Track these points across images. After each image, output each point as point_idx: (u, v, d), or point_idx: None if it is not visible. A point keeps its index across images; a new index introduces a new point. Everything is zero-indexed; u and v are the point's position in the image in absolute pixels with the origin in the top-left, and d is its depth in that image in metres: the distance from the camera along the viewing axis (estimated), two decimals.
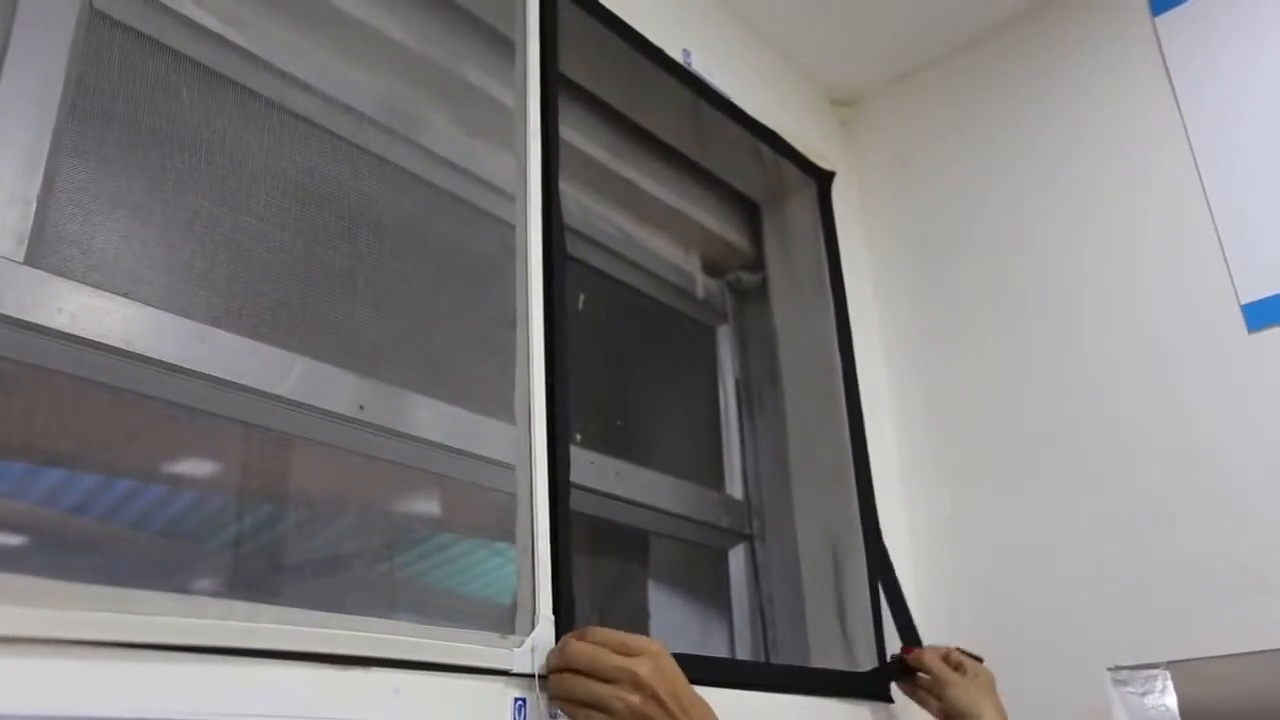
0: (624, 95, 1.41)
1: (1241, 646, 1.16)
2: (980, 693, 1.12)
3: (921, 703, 1.21)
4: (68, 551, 0.81)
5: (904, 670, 1.23)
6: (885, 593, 1.34)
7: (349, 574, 0.98)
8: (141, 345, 0.82)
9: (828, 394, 1.49)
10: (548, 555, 0.92)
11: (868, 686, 1.27)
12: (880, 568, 1.36)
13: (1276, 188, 1.28)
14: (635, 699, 0.78)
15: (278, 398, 0.91)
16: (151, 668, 0.63)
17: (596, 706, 0.79)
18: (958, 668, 1.16)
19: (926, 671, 1.19)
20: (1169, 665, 1.04)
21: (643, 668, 0.79)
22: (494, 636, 0.86)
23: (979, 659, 1.19)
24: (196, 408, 0.87)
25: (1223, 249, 1.30)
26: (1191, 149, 1.36)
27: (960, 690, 1.13)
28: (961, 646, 1.20)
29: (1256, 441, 1.22)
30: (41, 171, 0.80)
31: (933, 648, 1.22)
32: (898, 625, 1.31)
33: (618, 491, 1.28)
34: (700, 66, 1.43)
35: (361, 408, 0.97)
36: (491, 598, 1.05)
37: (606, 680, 0.79)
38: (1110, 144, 1.46)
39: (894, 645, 1.34)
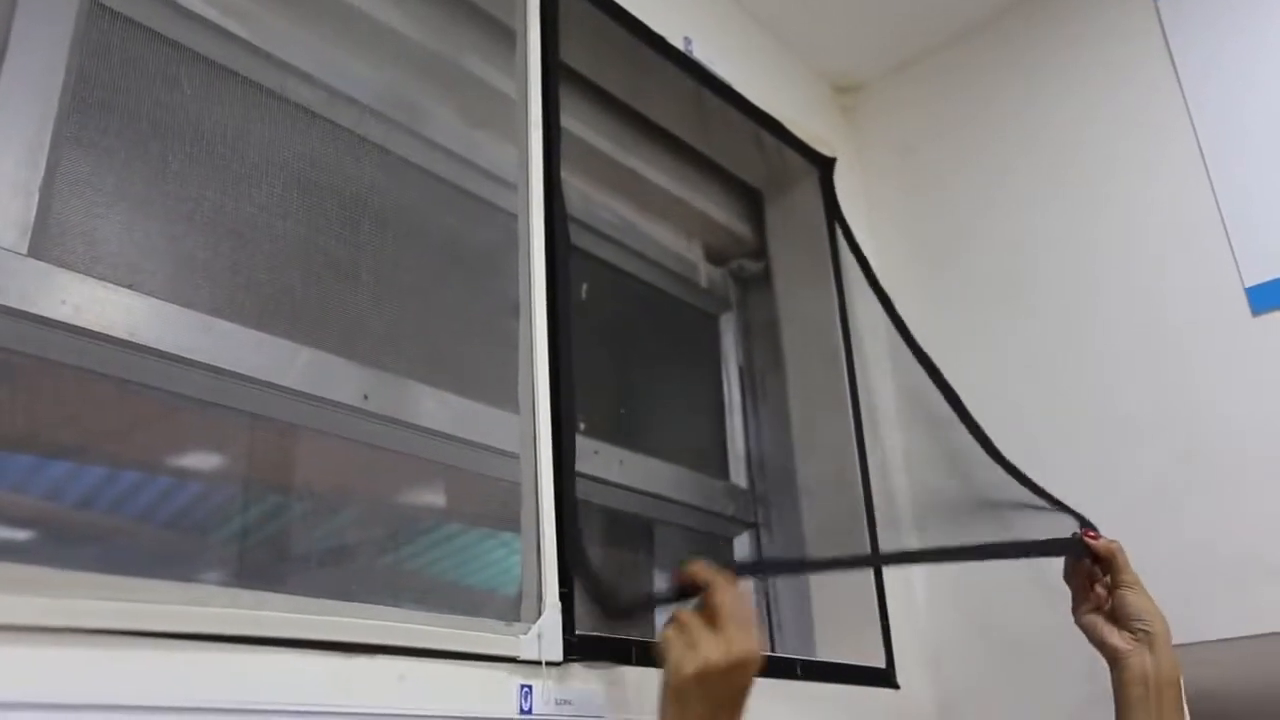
0: (625, 84, 1.41)
1: (1247, 630, 1.16)
2: (1153, 603, 1.04)
3: (1079, 590, 1.10)
4: (73, 543, 0.81)
5: (1081, 553, 1.09)
6: (1031, 489, 1.30)
7: (354, 564, 0.99)
8: (145, 336, 0.82)
9: (831, 381, 1.49)
10: (553, 543, 0.92)
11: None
12: (1007, 466, 1.32)
13: None
14: None
15: (282, 388, 0.91)
16: (155, 655, 0.63)
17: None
18: None
19: (1112, 566, 1.07)
20: (1175, 648, 1.04)
21: None
22: (500, 624, 0.86)
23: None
24: (201, 399, 0.88)
25: (1227, 232, 1.29)
26: (1195, 132, 1.36)
27: (1143, 595, 1.04)
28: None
29: (1262, 426, 1.22)
30: (44, 163, 0.80)
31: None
32: (1073, 512, 1.23)
33: (622, 480, 1.28)
34: (701, 54, 1.43)
35: (366, 397, 0.97)
36: (497, 587, 1.06)
37: None
38: (1113, 128, 1.45)
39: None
